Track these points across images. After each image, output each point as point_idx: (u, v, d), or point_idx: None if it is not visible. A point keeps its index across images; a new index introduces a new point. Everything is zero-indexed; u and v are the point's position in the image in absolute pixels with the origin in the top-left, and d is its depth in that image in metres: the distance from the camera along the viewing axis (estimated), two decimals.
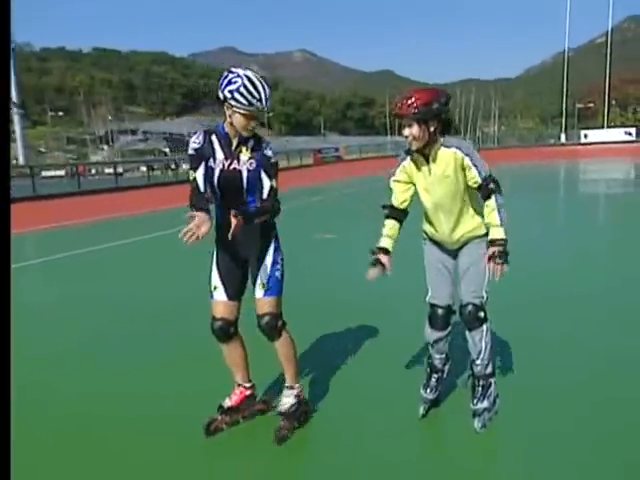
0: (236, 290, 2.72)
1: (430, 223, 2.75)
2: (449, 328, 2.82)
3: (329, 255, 7.69)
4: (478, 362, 2.73)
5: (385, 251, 2.76)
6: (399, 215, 2.78)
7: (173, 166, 34.23)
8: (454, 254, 2.78)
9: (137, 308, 5.28)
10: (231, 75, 2.50)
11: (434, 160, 2.59)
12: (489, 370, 2.76)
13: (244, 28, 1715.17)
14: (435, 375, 2.89)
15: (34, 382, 3.57)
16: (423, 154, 2.59)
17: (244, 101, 2.48)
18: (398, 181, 2.73)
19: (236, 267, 2.71)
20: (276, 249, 2.72)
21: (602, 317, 4.36)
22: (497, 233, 2.53)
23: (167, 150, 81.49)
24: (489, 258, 2.52)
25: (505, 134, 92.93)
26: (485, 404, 2.71)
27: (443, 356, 2.89)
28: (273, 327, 2.66)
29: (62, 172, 39.48)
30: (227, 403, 2.83)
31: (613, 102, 75.68)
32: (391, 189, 2.78)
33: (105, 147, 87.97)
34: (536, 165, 27.87)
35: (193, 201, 2.52)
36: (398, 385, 3.21)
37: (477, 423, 2.69)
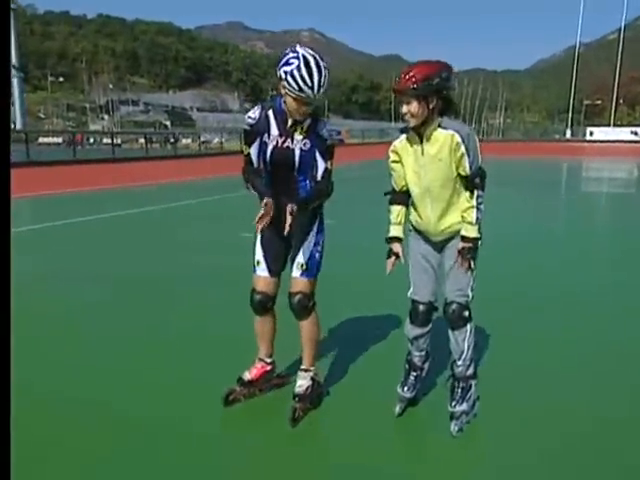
0: (278, 266, 2.77)
1: (416, 210, 2.57)
2: (430, 325, 2.67)
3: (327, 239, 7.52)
4: (460, 363, 2.59)
5: (397, 239, 2.64)
6: (403, 199, 2.62)
7: (172, 140, 33.81)
8: (439, 249, 2.60)
9: (133, 281, 5.13)
10: (291, 54, 2.41)
11: (428, 140, 2.41)
12: (470, 372, 2.62)
13: (252, 3, 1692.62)
14: (414, 373, 2.75)
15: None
16: (418, 133, 2.42)
17: (295, 85, 2.38)
18: (394, 162, 2.56)
19: (279, 244, 2.72)
20: (320, 230, 2.76)
21: (592, 319, 4.22)
22: (470, 231, 2.45)
23: (168, 123, 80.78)
24: (458, 252, 2.47)
25: (510, 127, 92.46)
26: (464, 407, 2.57)
27: (423, 353, 2.74)
28: (304, 307, 2.69)
29: (59, 139, 39.07)
30: (247, 376, 2.85)
31: (621, 100, 75.16)
32: (390, 174, 2.62)
33: (105, 117, 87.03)
34: (539, 160, 27.63)
35: (250, 178, 2.60)
36: (377, 381, 3.07)
37: (454, 426, 2.55)
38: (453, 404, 2.58)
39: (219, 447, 2.49)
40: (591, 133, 51.64)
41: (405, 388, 2.72)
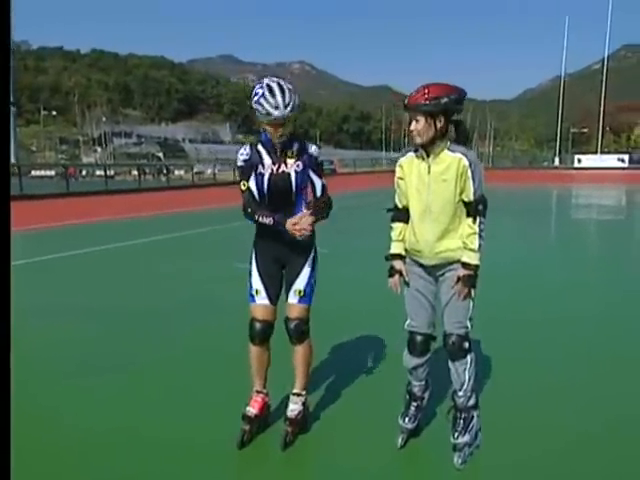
0: (276, 294, 2.80)
1: (413, 230, 2.56)
2: (428, 355, 2.66)
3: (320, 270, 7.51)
4: (460, 394, 2.57)
5: (399, 256, 2.64)
6: (405, 217, 2.61)
7: (165, 171, 33.95)
8: (434, 280, 2.60)
9: (122, 315, 5.08)
10: (257, 86, 2.59)
11: (435, 160, 2.44)
12: (472, 402, 2.60)
13: (244, 37, 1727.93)
14: (414, 403, 2.73)
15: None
16: (426, 151, 2.45)
17: (263, 110, 2.54)
18: (399, 178, 2.59)
19: (276, 272, 2.79)
20: (314, 258, 2.83)
21: (589, 343, 4.22)
22: (472, 258, 2.45)
23: (161, 155, 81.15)
24: (458, 279, 2.46)
25: (500, 155, 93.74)
26: (466, 438, 2.55)
27: (422, 383, 2.72)
28: (302, 332, 2.75)
29: (52, 172, 39.13)
30: (252, 412, 2.82)
31: (607, 128, 76.63)
32: (395, 190, 2.64)
33: (98, 149, 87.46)
34: (528, 188, 27.96)
35: (257, 210, 2.68)
36: (377, 412, 3.03)
37: (457, 459, 2.52)
38: (456, 435, 2.55)
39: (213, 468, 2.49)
40: (579, 160, 52.44)
41: (406, 419, 2.69)
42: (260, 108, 2.54)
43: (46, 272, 7.39)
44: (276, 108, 2.52)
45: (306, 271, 2.77)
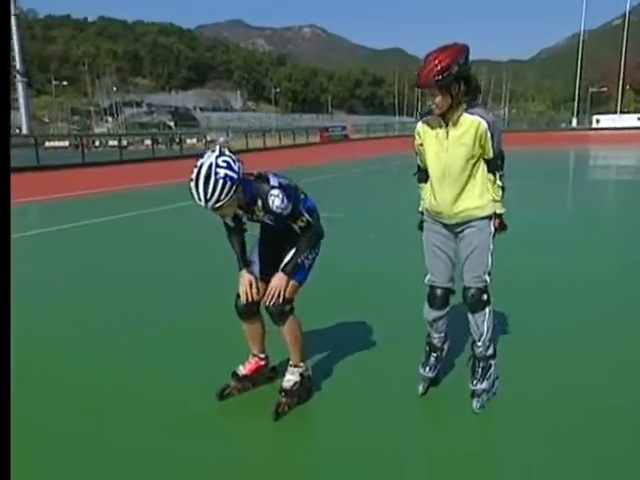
0: (269, 271, 2.71)
1: (432, 192, 2.65)
2: (448, 308, 2.78)
3: (337, 234, 7.60)
4: (479, 344, 2.69)
5: None
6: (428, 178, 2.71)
7: (177, 140, 33.97)
8: (453, 236, 2.69)
9: (143, 280, 5.26)
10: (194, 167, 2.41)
11: (454, 124, 2.50)
12: (490, 352, 2.72)
13: (253, 1, 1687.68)
14: (434, 354, 2.85)
15: (38, 355, 3.55)
16: (443, 117, 2.51)
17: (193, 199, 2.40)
18: (420, 144, 2.66)
19: (276, 251, 2.73)
20: (313, 247, 2.74)
21: (606, 303, 4.30)
22: (500, 208, 2.62)
23: (172, 124, 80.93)
24: (495, 228, 2.63)
25: (515, 117, 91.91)
26: (484, 385, 2.67)
27: (442, 335, 2.84)
28: (280, 311, 2.65)
29: (66, 143, 39.32)
30: (241, 371, 2.91)
31: (627, 87, 74.48)
32: (417, 153, 2.73)
33: (109, 119, 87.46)
34: (545, 151, 27.55)
35: (231, 241, 2.77)
36: (398, 362, 3.17)
37: (475, 403, 2.66)
38: (474, 382, 2.68)
39: (210, 433, 2.59)
40: (597, 121, 51.25)
41: (427, 368, 2.82)
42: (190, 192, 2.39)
43: (69, 239, 7.58)
44: (199, 200, 2.37)
45: (293, 251, 2.67)
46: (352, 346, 3.46)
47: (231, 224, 2.74)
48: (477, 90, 2.53)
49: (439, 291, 2.72)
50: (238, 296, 2.77)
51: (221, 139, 42.04)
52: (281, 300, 2.62)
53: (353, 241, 6.95)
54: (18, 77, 33.39)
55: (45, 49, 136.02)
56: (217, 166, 2.37)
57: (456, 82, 2.40)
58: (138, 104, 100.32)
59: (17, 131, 39.19)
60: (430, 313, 2.77)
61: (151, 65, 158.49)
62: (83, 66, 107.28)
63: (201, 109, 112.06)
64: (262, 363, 2.95)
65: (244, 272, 2.73)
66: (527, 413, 2.64)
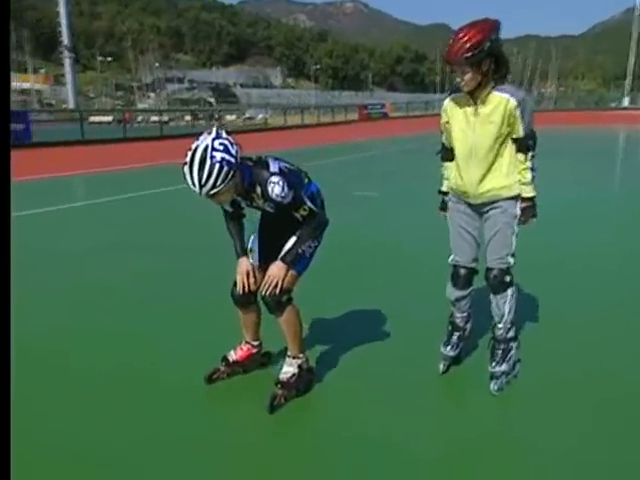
0: (268, 261, 2.59)
1: (458, 171, 2.63)
2: (471, 288, 2.78)
3: (368, 212, 7.62)
4: (500, 326, 2.70)
5: (448, 194, 2.78)
6: (454, 156, 2.68)
7: (217, 116, 34.27)
8: (478, 216, 2.67)
9: (174, 253, 5.43)
10: (187, 150, 2.31)
11: (483, 102, 2.47)
12: (511, 334, 2.72)
13: None
14: (456, 333, 2.88)
15: (82, 324, 3.75)
16: (472, 94, 2.48)
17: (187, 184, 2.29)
18: (446, 122, 2.64)
19: (276, 239, 2.59)
20: (316, 236, 2.59)
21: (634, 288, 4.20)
22: (527, 191, 2.55)
23: (212, 100, 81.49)
24: (522, 211, 2.57)
25: (563, 95, 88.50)
26: (503, 367, 2.68)
27: (465, 315, 2.86)
28: (277, 302, 2.52)
29: (109, 118, 40.22)
30: (232, 356, 2.84)
31: None
32: (442, 132, 2.71)
33: (152, 95, 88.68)
34: (593, 130, 26.50)
35: (229, 228, 2.68)
36: (421, 341, 3.21)
37: (493, 385, 2.67)
38: (493, 365, 2.69)
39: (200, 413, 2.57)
40: None
41: (448, 347, 2.85)
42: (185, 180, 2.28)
43: (113, 212, 7.84)
44: (194, 186, 2.26)
45: (294, 240, 2.55)
46: (372, 328, 3.50)
47: (229, 209, 2.64)
48: (507, 67, 2.48)
49: (462, 271, 2.73)
50: (235, 284, 2.68)
51: (260, 116, 42.16)
52: (278, 290, 2.48)
53: (383, 219, 6.95)
54: (66, 53, 34.20)
55: (91, 25, 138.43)
56: (213, 149, 2.23)
57: (487, 59, 2.36)
58: (180, 80, 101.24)
59: (64, 106, 40.27)
60: (453, 292, 2.79)
61: (193, 41, 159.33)
62: (127, 42, 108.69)
63: (241, 85, 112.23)
64: (254, 350, 2.87)
65: (242, 260, 2.64)
66: (548, 396, 2.64)
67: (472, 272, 2.75)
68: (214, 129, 2.31)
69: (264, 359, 2.97)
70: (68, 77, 35.54)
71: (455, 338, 2.87)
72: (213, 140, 2.25)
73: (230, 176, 2.26)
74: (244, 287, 2.62)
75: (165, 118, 33.01)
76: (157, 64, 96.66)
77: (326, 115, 38.93)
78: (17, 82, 62.61)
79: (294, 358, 2.67)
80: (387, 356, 3.08)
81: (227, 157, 2.24)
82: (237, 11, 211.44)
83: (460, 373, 2.89)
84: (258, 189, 2.40)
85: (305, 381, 2.70)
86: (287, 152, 17.81)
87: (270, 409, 2.51)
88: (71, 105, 34.12)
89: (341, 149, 18.15)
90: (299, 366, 2.66)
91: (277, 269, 2.49)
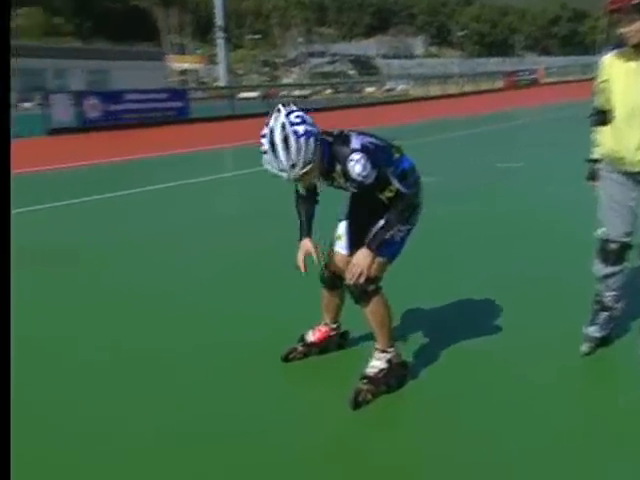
0: (358, 248, 2.42)
1: (614, 135, 2.40)
2: (623, 263, 2.55)
3: (510, 184, 7.25)
4: None
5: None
6: (609, 120, 2.48)
7: (357, 89, 34.41)
8: (635, 185, 2.43)
9: None
10: (262, 132, 2.18)
11: None
12: None
13: None
14: (604, 313, 2.68)
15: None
16: (635, 49, 2.25)
17: (271, 173, 2.18)
18: (602, 80, 2.44)
19: (365, 225, 2.41)
20: (407, 219, 2.37)
21: None
22: None
23: (353, 72, 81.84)
24: None
25: None
26: None
27: (614, 293, 2.64)
28: (363, 291, 2.35)
29: (256, 94, 42.40)
30: (310, 337, 2.78)
31: None
32: (596, 93, 2.52)
33: (295, 69, 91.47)
34: None
35: (299, 209, 2.54)
36: (560, 319, 3.04)
37: None
38: None
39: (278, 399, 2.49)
40: None
41: (593, 327, 2.68)
42: (269, 167, 2.16)
43: (259, 182, 8.39)
44: (282, 171, 2.13)
45: (381, 224, 2.33)
46: (495, 310, 3.36)
47: (304, 193, 2.50)
48: None
49: (614, 245, 2.52)
50: (326, 266, 2.58)
51: (400, 87, 41.45)
52: (364, 279, 2.30)
53: (526, 191, 6.58)
54: (219, 33, 36.57)
55: (240, 5, 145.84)
56: (292, 124, 2.10)
57: None
58: (321, 54, 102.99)
59: (215, 84, 43.33)
60: (602, 269, 2.59)
61: (335, 14, 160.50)
62: (273, 19, 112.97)
63: (382, 56, 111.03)
64: (332, 333, 2.79)
65: (305, 242, 2.49)
66: None
67: (625, 247, 2.53)
68: (280, 106, 2.18)
69: (342, 340, 2.87)
70: (220, 56, 38.01)
71: (602, 319, 2.67)
72: (287, 116, 2.13)
73: (318, 147, 2.14)
74: (303, 268, 2.48)
75: (306, 92, 33.93)
76: (300, 39, 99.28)
77: (470, 84, 37.09)
78: (178, 63, 68.55)
79: (382, 352, 2.46)
80: (508, 343, 2.87)
81: (309, 127, 2.13)
82: None
83: (608, 357, 2.69)
84: (338, 167, 2.23)
85: (397, 376, 2.48)
86: (427, 123, 17.35)
87: (354, 405, 2.31)
88: (223, 83, 36.55)
89: (485, 119, 17.24)
90: (388, 360, 2.44)
91: (362, 256, 2.30)
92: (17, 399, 1.65)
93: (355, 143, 2.23)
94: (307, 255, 2.47)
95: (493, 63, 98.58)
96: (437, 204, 5.67)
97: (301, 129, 2.10)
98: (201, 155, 11.81)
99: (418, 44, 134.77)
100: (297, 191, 2.53)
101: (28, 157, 11.18)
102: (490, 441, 2.11)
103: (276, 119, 2.13)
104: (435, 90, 33.64)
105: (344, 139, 2.26)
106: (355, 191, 2.36)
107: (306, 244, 2.49)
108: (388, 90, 42.16)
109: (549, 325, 3.03)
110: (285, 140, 2.08)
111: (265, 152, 2.13)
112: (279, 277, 3.82)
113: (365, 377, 2.40)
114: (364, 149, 2.22)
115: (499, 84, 37.40)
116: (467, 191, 6.73)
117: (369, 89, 42.77)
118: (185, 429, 2.27)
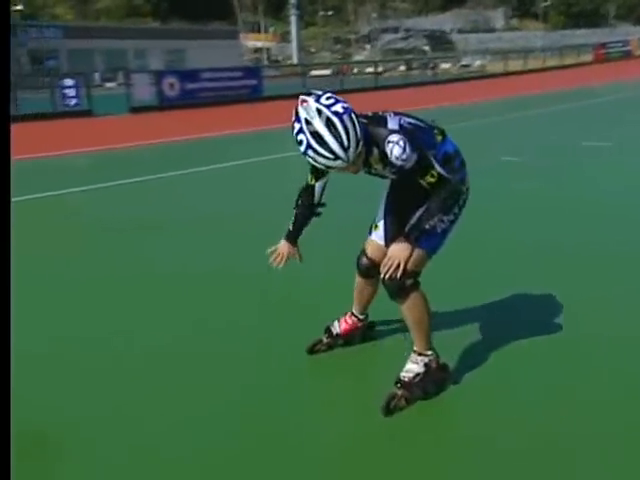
0: (395, 239, 2.28)
1: None
2: None
3: (596, 165, 6.80)
4: None
5: None
6: None
7: (432, 65, 33.38)
8: None
9: None
10: (295, 126, 1.99)
11: None
12: None
13: None
14: None
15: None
16: None
17: (318, 165, 2.02)
18: None
19: (404, 215, 2.28)
20: (450, 208, 2.21)
21: None
22: None
23: (427, 48, 79.38)
24: None
25: None
26: None
27: None
28: (399, 287, 2.18)
29: (328, 71, 42.16)
30: (336, 329, 2.70)
31: None
32: None
33: (367, 46, 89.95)
34: None
35: (298, 205, 2.45)
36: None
37: None
38: None
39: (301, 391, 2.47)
40: None
41: None
42: (313, 162, 2.01)
43: None
44: (336, 159, 1.93)
45: (420, 213, 2.17)
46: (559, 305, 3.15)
47: (313, 182, 2.38)
48: None
49: None
50: (363, 253, 2.47)
51: (477, 62, 39.76)
52: (400, 273, 2.12)
53: (615, 173, 6.14)
54: (292, 10, 36.56)
55: None
56: (328, 107, 1.93)
57: None
58: (395, 30, 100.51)
59: (288, 62, 43.44)
60: None
61: None
62: None
63: (459, 31, 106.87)
64: (359, 325, 2.70)
65: (287, 244, 2.47)
66: None
67: None
68: (303, 96, 2.02)
69: (369, 331, 2.79)
70: (293, 33, 38.10)
71: None
72: (318, 101, 1.96)
73: (360, 134, 1.96)
74: (276, 263, 2.48)
75: (380, 69, 33.33)
76: (374, 14, 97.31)
77: (554, 58, 34.94)
78: (251, 41, 69.28)
79: (420, 355, 2.28)
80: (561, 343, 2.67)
81: (345, 104, 1.98)
82: None
83: None
84: (375, 151, 2.06)
85: (435, 381, 2.31)
86: (505, 100, 16.55)
87: (386, 411, 2.16)
88: (295, 60, 36.65)
89: (569, 95, 16.21)
90: (426, 365, 2.27)
91: (399, 248, 2.13)
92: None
93: (392, 124, 2.08)
94: (281, 256, 2.46)
95: (581, 35, 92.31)
96: (524, 184, 5.36)
97: (339, 108, 1.94)
98: (273, 133, 11.94)
99: (498, 17, 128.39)
100: (306, 185, 2.42)
101: (113, 134, 12.34)
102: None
103: (307, 109, 1.95)
104: (515, 65, 32.08)
105: (380, 120, 2.11)
106: (394, 177, 2.21)
107: (286, 246, 2.47)
108: (464, 66, 40.57)
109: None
110: (328, 124, 1.91)
111: (307, 149, 1.96)
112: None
113: (399, 382, 2.25)
114: (403, 130, 2.06)
115: (587, 58, 35.03)
116: (552, 171, 6.39)
117: (444, 65, 41.37)
118: (204, 415, 2.26)
